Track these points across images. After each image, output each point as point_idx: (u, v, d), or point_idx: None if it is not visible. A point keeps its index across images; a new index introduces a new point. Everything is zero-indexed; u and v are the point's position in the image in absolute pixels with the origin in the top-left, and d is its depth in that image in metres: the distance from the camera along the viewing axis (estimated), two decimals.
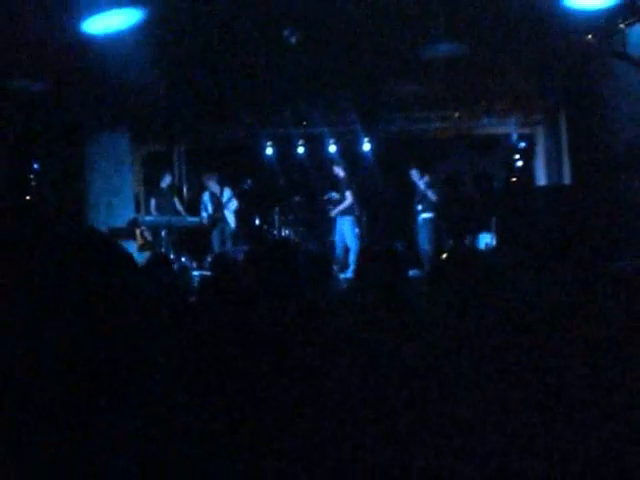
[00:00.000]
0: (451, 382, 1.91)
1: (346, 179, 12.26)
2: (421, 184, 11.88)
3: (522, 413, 1.80)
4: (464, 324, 2.26)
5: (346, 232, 12.03)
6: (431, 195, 11.63)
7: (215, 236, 12.34)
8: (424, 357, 2.05)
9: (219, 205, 12.38)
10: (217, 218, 12.30)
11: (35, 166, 11.07)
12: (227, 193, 12.43)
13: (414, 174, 12.00)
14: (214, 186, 12.47)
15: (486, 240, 11.49)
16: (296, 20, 8.45)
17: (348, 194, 12.06)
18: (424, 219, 11.75)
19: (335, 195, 12.25)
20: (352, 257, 11.48)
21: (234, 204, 12.44)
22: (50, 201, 11.29)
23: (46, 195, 11.32)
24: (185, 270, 10.07)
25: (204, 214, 12.43)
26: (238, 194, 12.41)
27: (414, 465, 1.69)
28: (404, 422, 1.79)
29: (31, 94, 9.69)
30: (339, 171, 12.32)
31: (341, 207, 12.07)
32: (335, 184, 12.36)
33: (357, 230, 12.16)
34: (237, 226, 12.58)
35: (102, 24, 7.19)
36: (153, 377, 1.17)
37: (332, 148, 13.42)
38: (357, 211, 12.28)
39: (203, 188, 12.67)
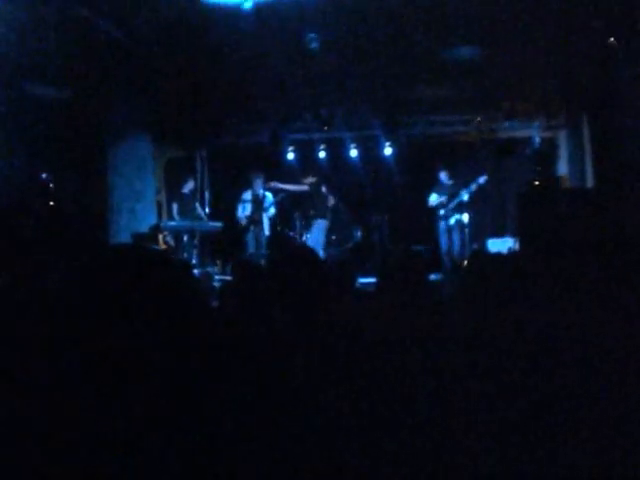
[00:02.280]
0: (481, 386, 1.89)
1: (317, 183, 12.10)
2: (449, 184, 11.88)
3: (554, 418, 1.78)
4: (503, 328, 2.23)
5: (314, 235, 11.93)
6: (466, 197, 11.59)
7: (250, 239, 12.15)
8: (454, 363, 2.03)
9: (258, 207, 12.20)
10: (254, 220, 12.13)
11: (57, 172, 11.12)
12: (269, 198, 12.26)
13: (442, 176, 11.99)
14: (258, 187, 12.21)
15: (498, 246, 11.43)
16: (317, 25, 8.45)
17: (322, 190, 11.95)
18: (457, 220, 11.70)
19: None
20: None
21: (273, 210, 12.28)
22: (73, 207, 11.34)
23: (68, 201, 11.37)
24: (208, 275, 10.11)
25: (241, 214, 12.30)
26: (276, 202, 12.26)
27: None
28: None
29: (53, 100, 9.75)
30: (311, 180, 12.14)
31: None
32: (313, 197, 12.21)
33: (324, 238, 12.02)
34: (271, 232, 12.36)
35: None
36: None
37: (353, 152, 13.37)
38: (329, 217, 12.13)
39: (249, 185, 12.34)
